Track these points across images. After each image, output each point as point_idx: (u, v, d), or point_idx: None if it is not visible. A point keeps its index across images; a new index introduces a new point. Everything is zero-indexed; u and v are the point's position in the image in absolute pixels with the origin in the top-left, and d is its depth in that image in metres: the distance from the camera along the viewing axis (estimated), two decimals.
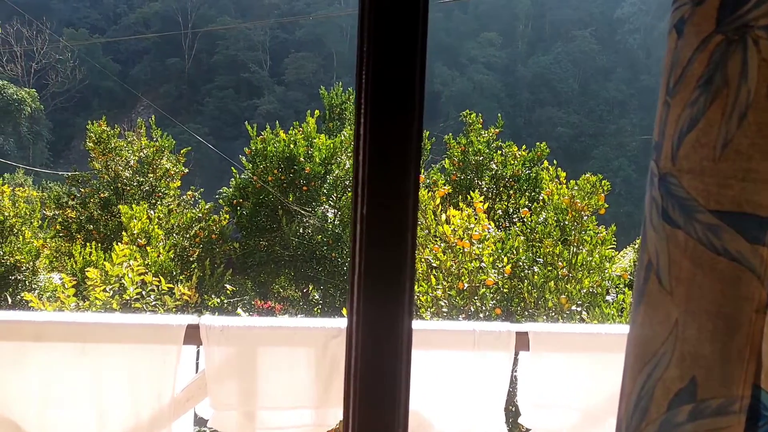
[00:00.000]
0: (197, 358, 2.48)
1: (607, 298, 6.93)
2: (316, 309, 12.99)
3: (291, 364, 2.40)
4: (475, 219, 6.44)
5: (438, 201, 6.71)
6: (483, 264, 6.49)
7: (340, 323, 2.45)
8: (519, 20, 71.09)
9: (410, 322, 0.88)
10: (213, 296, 10.78)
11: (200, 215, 12.28)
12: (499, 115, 11.62)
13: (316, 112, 13.16)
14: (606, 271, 6.80)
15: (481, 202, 6.49)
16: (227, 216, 12.84)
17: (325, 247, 11.74)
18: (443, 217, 6.61)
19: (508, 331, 2.46)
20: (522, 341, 2.46)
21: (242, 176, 13.03)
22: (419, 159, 0.79)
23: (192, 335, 2.35)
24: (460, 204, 6.72)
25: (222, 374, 2.35)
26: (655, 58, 64.93)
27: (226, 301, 11.66)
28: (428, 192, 6.80)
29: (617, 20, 68.67)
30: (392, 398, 0.88)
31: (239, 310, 13.09)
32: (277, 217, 11.91)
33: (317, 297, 13.00)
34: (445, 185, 7.55)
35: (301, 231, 11.87)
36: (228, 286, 11.60)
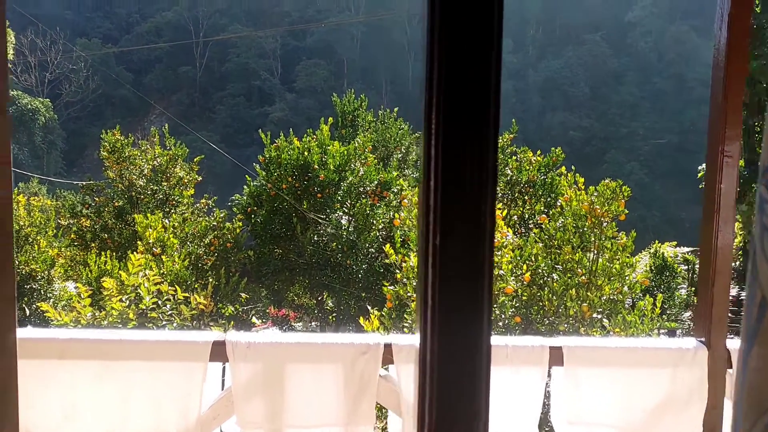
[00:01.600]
0: (223, 375, 2.43)
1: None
2: (330, 317, 12.94)
3: (319, 381, 2.34)
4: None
5: None
6: (502, 272, 6.41)
7: (368, 339, 2.39)
8: (530, 25, 70.96)
9: (489, 348, 0.82)
10: (228, 305, 10.75)
11: (215, 224, 12.27)
12: (513, 120, 11.54)
13: (330, 119, 13.13)
14: (627, 277, 6.70)
15: (499, 209, 6.40)
16: (240, 223, 12.83)
17: (340, 255, 11.68)
18: None
19: (542, 345, 2.40)
20: (556, 356, 2.40)
21: (255, 183, 13.02)
22: (495, 182, 0.73)
23: (218, 352, 2.29)
24: None
25: (249, 392, 2.30)
26: (667, 61, 64.57)
27: (240, 309, 11.63)
28: None
29: (628, 23, 68.41)
30: (472, 420, 0.82)
31: (254, 319, 13.06)
32: (292, 224, 11.88)
33: (332, 305, 12.95)
34: None
35: (315, 238, 11.82)
36: (243, 295, 11.57)
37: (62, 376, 2.21)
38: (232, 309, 10.96)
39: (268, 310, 13.76)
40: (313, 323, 14.70)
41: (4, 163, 0.80)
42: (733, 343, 2.42)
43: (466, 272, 0.73)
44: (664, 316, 7.71)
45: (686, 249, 22.47)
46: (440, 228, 0.72)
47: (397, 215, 7.13)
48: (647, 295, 6.69)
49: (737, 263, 21.09)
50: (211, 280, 10.68)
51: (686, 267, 16.18)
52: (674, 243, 21.64)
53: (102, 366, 2.23)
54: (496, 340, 2.53)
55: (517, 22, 70.40)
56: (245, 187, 13.43)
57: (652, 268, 14.98)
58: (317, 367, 2.35)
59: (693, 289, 15.60)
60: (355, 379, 2.33)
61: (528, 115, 59.53)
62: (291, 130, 13.25)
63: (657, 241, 17.18)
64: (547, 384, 2.45)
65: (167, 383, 2.27)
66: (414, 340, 2.46)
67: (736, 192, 2.34)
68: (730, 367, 2.40)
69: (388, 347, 2.36)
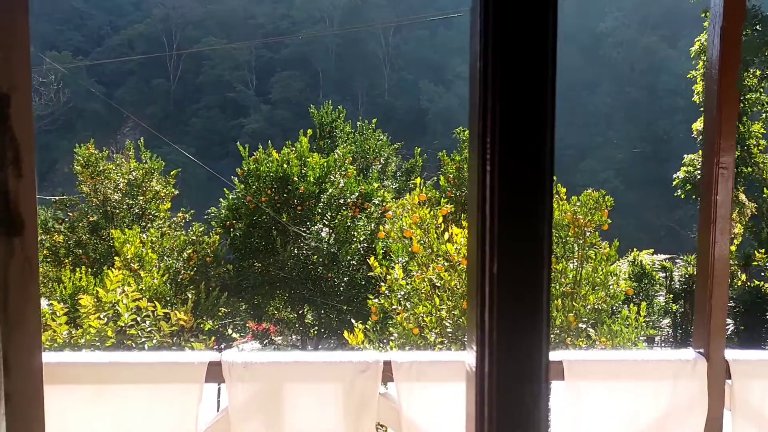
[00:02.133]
0: (218, 396, 2.38)
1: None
2: (311, 330, 12.84)
3: (318, 400, 2.30)
4: None
5: (440, 219, 6.63)
6: None
7: (367, 356, 2.35)
8: None
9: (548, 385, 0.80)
10: (208, 320, 10.62)
11: (193, 238, 12.13)
12: None
13: (309, 131, 13.08)
14: (611, 286, 6.74)
15: None
16: (219, 237, 12.70)
17: (321, 267, 11.61)
18: (446, 235, 6.53)
19: None
20: (555, 370, 2.38)
21: (233, 197, 12.91)
22: (552, 204, 0.71)
23: (213, 372, 2.24)
24: (463, 222, 6.66)
25: (246, 413, 2.25)
26: (639, 71, 65.60)
27: (220, 324, 11.51)
28: (430, 211, 6.73)
29: (601, 34, 69.44)
30: None
31: (233, 333, 12.92)
32: (272, 238, 11.79)
33: (312, 318, 12.86)
34: (447, 203, 7.49)
35: (296, 251, 11.75)
36: (223, 309, 11.45)
37: (54, 401, 2.14)
38: (212, 324, 10.82)
39: (247, 325, 13.63)
40: (293, 337, 14.59)
41: (30, 199, 0.77)
42: (732, 354, 2.42)
43: (526, 296, 0.72)
44: (643, 323, 7.74)
45: (663, 256, 22.74)
46: (498, 254, 0.70)
47: (381, 227, 7.10)
48: (631, 303, 6.73)
49: None
50: (190, 295, 10.55)
51: (664, 274, 16.35)
52: (651, 250, 21.88)
53: (96, 389, 2.17)
54: None
55: None
56: (222, 200, 13.31)
57: (631, 275, 15.13)
58: (316, 386, 2.31)
59: (671, 296, 15.77)
60: (354, 397, 2.29)
61: None
62: (270, 142, 13.17)
63: (635, 249, 17.34)
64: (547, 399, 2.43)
65: (163, 405, 2.21)
66: (412, 356, 2.43)
67: (731, 202, 2.35)
68: (729, 378, 2.41)
69: (387, 364, 2.33)
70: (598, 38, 69.16)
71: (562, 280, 6.69)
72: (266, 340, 13.65)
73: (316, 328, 12.77)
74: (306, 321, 12.86)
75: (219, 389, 2.35)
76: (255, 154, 12.29)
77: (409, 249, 7.36)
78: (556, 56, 0.68)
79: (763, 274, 17.19)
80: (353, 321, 10.00)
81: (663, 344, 16.55)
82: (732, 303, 16.28)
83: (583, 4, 70.15)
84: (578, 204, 6.70)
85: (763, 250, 14.69)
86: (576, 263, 6.76)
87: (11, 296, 0.73)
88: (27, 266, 0.75)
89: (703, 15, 21.74)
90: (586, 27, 70.49)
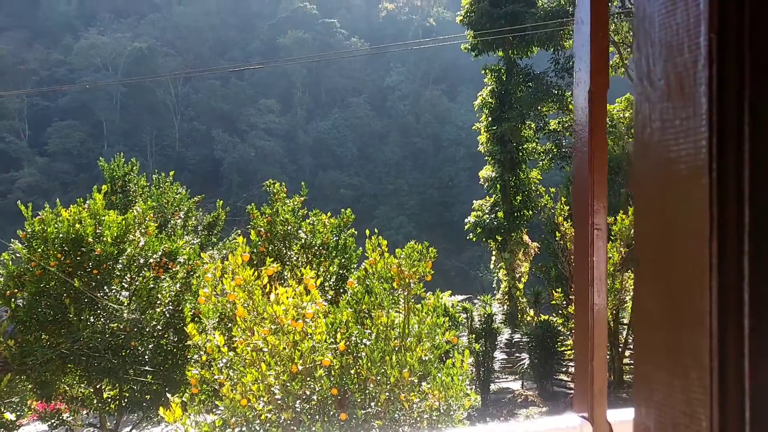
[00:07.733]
0: None
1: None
2: (112, 405, 11.63)
3: None
4: (308, 295, 6.12)
5: (266, 280, 6.29)
6: (316, 343, 6.18)
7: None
8: (296, 88, 72.86)
9: None
10: None
11: None
12: (303, 183, 11.53)
13: (104, 187, 12.02)
14: (436, 337, 6.81)
15: (312, 278, 6.18)
16: None
17: (123, 336, 10.57)
18: (272, 296, 6.20)
19: None
20: None
21: (12, 262, 11.39)
22: None
23: None
24: (291, 281, 6.36)
25: None
26: (424, 122, 69.98)
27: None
28: (254, 271, 6.35)
29: (387, 88, 73.24)
30: None
31: (6, 415, 11.29)
32: (63, 306, 10.53)
33: (113, 392, 11.66)
34: (273, 262, 7.12)
35: (92, 320, 10.59)
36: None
37: None
38: None
39: (30, 404, 12.01)
40: (88, 414, 13.14)
41: None
42: (613, 415, 2.41)
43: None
44: (467, 370, 7.92)
45: (460, 297, 23.95)
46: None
47: (201, 291, 6.58)
48: (456, 351, 6.83)
49: (505, 306, 22.93)
50: None
51: (465, 315, 17.17)
52: (449, 292, 22.94)
53: None
54: None
55: (283, 85, 71.89)
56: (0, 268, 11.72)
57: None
58: None
59: (473, 336, 16.55)
60: None
61: (300, 174, 60.49)
62: (58, 201, 11.90)
63: (439, 291, 18.04)
64: None
65: None
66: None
67: (606, 262, 2.36)
68: None
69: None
70: (384, 91, 72.84)
71: (391, 332, 6.63)
72: (56, 421, 12.09)
73: (117, 402, 11.57)
74: (105, 397, 11.60)
75: None
76: (40, 213, 10.99)
77: (221, 310, 6.89)
78: None
79: (549, 308, 18.70)
80: (166, 392, 9.13)
81: (467, 383, 17.28)
82: (526, 338, 17.48)
83: (371, 58, 73.81)
84: (402, 256, 6.73)
85: (559, 289, 15.97)
86: (403, 315, 6.74)
87: None
88: None
89: (483, 72, 23.73)
90: (373, 81, 74.06)
